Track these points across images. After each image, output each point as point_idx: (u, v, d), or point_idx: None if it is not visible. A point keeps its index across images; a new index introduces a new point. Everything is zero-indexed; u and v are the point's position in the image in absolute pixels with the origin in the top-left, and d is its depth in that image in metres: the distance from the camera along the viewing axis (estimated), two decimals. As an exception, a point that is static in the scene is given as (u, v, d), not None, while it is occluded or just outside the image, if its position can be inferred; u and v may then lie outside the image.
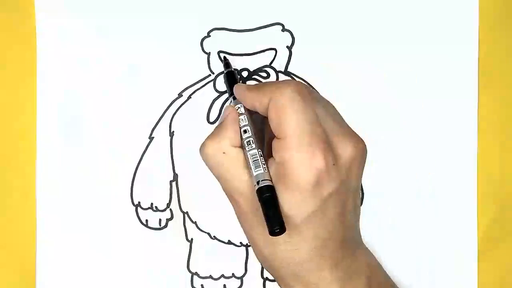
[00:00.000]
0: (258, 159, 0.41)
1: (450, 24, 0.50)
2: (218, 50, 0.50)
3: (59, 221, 0.50)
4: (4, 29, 0.50)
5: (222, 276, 0.50)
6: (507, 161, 0.51)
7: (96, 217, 0.50)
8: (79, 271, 0.50)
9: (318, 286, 0.42)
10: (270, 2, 0.50)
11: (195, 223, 0.50)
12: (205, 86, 0.50)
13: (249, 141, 0.42)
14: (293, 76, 0.50)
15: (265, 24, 0.50)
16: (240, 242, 0.50)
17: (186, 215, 0.50)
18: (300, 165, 0.40)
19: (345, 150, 0.42)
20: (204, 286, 0.50)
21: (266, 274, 0.50)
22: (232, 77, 0.48)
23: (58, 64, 0.50)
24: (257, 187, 0.40)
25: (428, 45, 0.50)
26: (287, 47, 0.50)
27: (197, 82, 0.50)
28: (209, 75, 0.50)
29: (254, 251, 0.45)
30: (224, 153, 0.43)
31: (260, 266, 0.50)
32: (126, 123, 0.50)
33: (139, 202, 0.50)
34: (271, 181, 0.41)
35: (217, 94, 0.50)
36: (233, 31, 0.50)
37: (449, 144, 0.50)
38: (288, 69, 0.50)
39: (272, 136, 0.42)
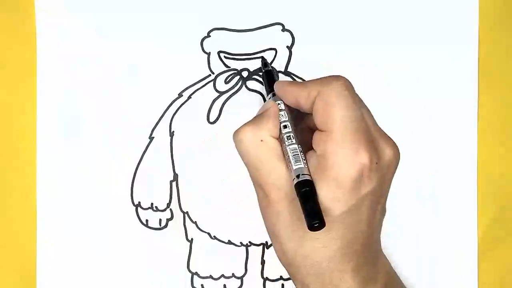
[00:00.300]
0: (298, 154, 0.41)
1: (450, 24, 0.50)
2: (218, 50, 0.50)
3: (60, 221, 0.50)
4: (4, 29, 0.50)
5: (222, 276, 0.50)
6: (507, 161, 0.51)
7: (96, 217, 0.50)
8: (80, 271, 0.50)
9: (338, 287, 0.42)
10: (270, 2, 0.50)
11: (195, 223, 0.50)
12: (205, 86, 0.50)
13: (289, 135, 0.42)
14: (293, 76, 0.50)
15: (265, 24, 0.50)
16: (240, 242, 0.50)
17: (186, 215, 0.50)
18: (344, 159, 0.39)
19: (385, 153, 0.41)
20: (204, 286, 0.50)
21: (266, 274, 0.50)
22: (270, 75, 0.48)
23: (58, 64, 0.50)
24: (296, 180, 0.39)
25: (428, 45, 0.50)
26: (287, 47, 0.50)
27: (197, 82, 0.50)
28: (209, 75, 0.50)
29: (275, 245, 0.43)
30: (262, 140, 0.42)
31: (260, 266, 0.50)
32: (126, 123, 0.50)
33: (139, 202, 0.50)
34: (310, 176, 0.40)
35: (217, 94, 0.50)
36: (233, 31, 0.50)
37: (449, 144, 0.50)
38: (288, 69, 0.50)
39: (308, 133, 0.42)
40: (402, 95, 0.50)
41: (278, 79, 0.49)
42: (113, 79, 0.50)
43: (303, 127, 0.44)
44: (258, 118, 0.43)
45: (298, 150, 0.41)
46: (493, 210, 0.51)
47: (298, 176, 0.40)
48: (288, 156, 0.41)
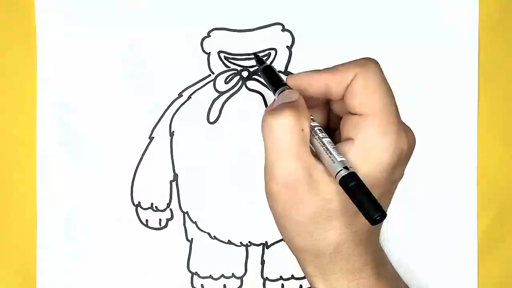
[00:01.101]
0: (335, 147, 0.39)
1: (450, 24, 0.50)
2: (218, 50, 0.50)
3: (59, 221, 0.50)
4: (4, 29, 0.50)
5: (222, 276, 0.50)
6: (507, 161, 0.51)
7: (96, 217, 0.50)
8: (80, 271, 0.50)
9: (361, 270, 0.41)
10: (270, 2, 0.50)
11: (195, 223, 0.50)
12: (205, 86, 0.50)
13: (320, 128, 0.40)
14: (293, 76, 0.50)
15: (265, 24, 0.50)
16: (240, 242, 0.50)
17: (186, 215, 0.50)
18: (389, 143, 0.38)
19: (410, 140, 0.40)
20: (204, 286, 0.50)
21: (266, 274, 0.50)
22: (270, 70, 0.45)
23: (58, 64, 0.50)
24: (341, 174, 0.37)
25: (428, 45, 0.50)
26: (287, 47, 0.50)
27: (197, 82, 0.50)
28: (209, 75, 0.50)
29: (298, 241, 0.41)
30: (303, 130, 0.39)
31: (260, 266, 0.50)
32: (126, 123, 0.50)
33: (139, 202, 0.50)
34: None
35: (217, 94, 0.50)
36: (233, 31, 0.50)
37: (449, 144, 0.50)
38: (288, 69, 0.50)
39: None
40: (402, 95, 0.50)
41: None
42: (113, 79, 0.50)
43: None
44: (295, 105, 0.39)
45: (333, 143, 0.39)
46: (493, 210, 0.51)
47: (344, 169, 0.37)
48: (327, 149, 0.38)
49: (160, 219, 0.50)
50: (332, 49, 0.50)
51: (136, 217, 0.50)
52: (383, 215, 0.35)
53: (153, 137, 0.50)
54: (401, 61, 0.50)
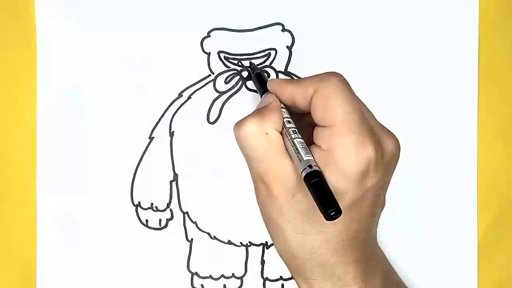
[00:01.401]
0: (306, 147, 0.40)
1: (450, 24, 0.50)
2: (218, 50, 0.50)
3: (59, 221, 0.50)
4: (4, 29, 0.50)
5: (222, 276, 0.50)
6: (507, 161, 0.51)
7: (96, 217, 0.50)
8: (79, 271, 0.50)
9: (342, 280, 0.42)
10: (270, 2, 0.50)
11: (195, 223, 0.50)
12: (205, 86, 0.50)
13: (294, 130, 0.41)
14: (293, 76, 0.50)
15: (265, 24, 0.50)
16: (240, 242, 0.50)
17: (186, 215, 0.50)
18: (351, 152, 0.39)
19: (388, 145, 0.41)
20: (204, 286, 0.50)
21: (266, 274, 0.50)
22: (261, 77, 0.47)
23: (58, 64, 0.50)
24: (306, 172, 0.38)
25: (428, 45, 0.50)
26: (287, 47, 0.50)
27: (197, 82, 0.50)
28: (209, 75, 0.50)
29: (276, 240, 0.43)
30: (267, 133, 0.41)
31: (260, 266, 0.50)
32: (126, 123, 0.50)
33: (139, 202, 0.50)
34: (319, 167, 0.39)
35: (217, 94, 0.50)
36: (233, 31, 0.50)
37: (449, 144, 0.50)
38: (288, 69, 0.50)
39: (303, 131, 0.42)
40: (402, 95, 0.50)
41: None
42: (113, 79, 0.50)
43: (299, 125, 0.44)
44: (261, 110, 0.42)
45: (304, 143, 0.40)
46: (493, 210, 0.51)
47: (307, 168, 0.39)
48: (296, 149, 0.40)
49: (160, 219, 0.50)
50: (332, 49, 0.50)
51: (136, 217, 0.50)
52: (338, 211, 0.36)
53: (153, 137, 0.50)
54: (401, 61, 0.50)
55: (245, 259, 0.50)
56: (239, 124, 0.41)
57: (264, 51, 0.50)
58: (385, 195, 0.43)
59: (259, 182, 0.42)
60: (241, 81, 0.50)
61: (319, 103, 0.41)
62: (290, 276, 0.50)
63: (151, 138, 0.50)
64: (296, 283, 0.44)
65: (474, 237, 0.50)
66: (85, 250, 0.50)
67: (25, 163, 0.50)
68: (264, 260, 0.50)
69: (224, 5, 0.50)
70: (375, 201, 0.42)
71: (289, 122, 0.42)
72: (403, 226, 0.50)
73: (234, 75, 0.50)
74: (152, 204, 0.50)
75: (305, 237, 0.41)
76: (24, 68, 0.50)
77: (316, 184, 0.38)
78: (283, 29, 0.50)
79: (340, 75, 0.41)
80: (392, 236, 0.50)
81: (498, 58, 0.51)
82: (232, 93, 0.50)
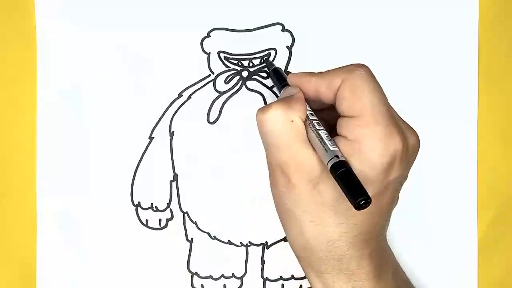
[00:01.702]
0: (330, 138, 0.40)
1: (450, 24, 0.50)
2: (218, 50, 0.50)
3: (59, 221, 0.50)
4: (4, 29, 0.50)
5: (222, 276, 0.50)
6: (507, 161, 0.51)
7: (96, 217, 0.50)
8: (79, 271, 0.50)
9: (355, 274, 0.42)
10: (270, 2, 0.50)
11: (195, 223, 0.50)
12: (205, 86, 0.50)
13: (318, 122, 0.41)
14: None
15: (265, 24, 0.50)
16: (240, 242, 0.50)
17: (186, 215, 0.50)
18: (379, 143, 0.39)
19: (411, 139, 0.41)
20: (204, 286, 0.50)
21: (266, 274, 0.50)
22: (278, 72, 0.47)
23: (58, 64, 0.50)
24: (332, 162, 0.38)
25: (428, 45, 0.50)
26: (287, 47, 0.50)
27: (197, 82, 0.50)
28: (209, 75, 0.50)
29: (291, 233, 0.43)
30: (292, 121, 0.40)
31: (260, 266, 0.50)
32: (126, 123, 0.50)
33: (139, 202, 0.50)
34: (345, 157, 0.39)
35: (217, 94, 0.50)
36: (233, 31, 0.50)
37: (449, 144, 0.50)
38: (288, 69, 0.50)
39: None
40: (402, 95, 0.50)
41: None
42: (113, 79, 0.50)
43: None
44: (287, 99, 0.42)
45: (329, 135, 0.40)
46: (493, 210, 0.51)
47: (334, 158, 0.38)
48: (321, 139, 0.40)
49: (160, 219, 0.50)
50: (332, 49, 0.50)
51: (136, 217, 0.50)
52: (367, 200, 0.36)
53: (153, 137, 0.50)
54: (401, 61, 0.50)
55: (245, 259, 0.50)
56: (263, 109, 0.41)
57: (264, 51, 0.50)
58: (399, 192, 0.43)
59: (278, 171, 0.41)
60: (241, 81, 0.50)
61: (347, 93, 0.40)
62: (290, 276, 0.50)
63: (151, 138, 0.50)
64: (307, 277, 0.44)
65: (474, 237, 0.50)
66: (85, 250, 0.50)
67: (25, 163, 0.50)
68: (264, 260, 0.50)
69: (224, 5, 0.50)
70: (394, 196, 0.42)
71: (312, 114, 0.42)
72: (403, 226, 0.50)
73: (234, 75, 0.50)
74: (152, 204, 0.50)
75: (323, 229, 0.41)
76: (24, 68, 0.50)
77: (344, 173, 0.37)
78: (283, 29, 0.50)
79: (367, 67, 0.41)
80: (392, 236, 0.50)
81: (498, 58, 0.51)
82: (232, 93, 0.50)
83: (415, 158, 0.42)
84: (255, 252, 0.50)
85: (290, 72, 0.49)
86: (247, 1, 0.50)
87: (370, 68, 0.41)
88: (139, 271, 0.50)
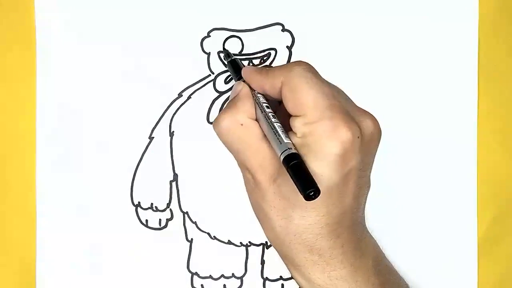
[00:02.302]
0: (284, 131, 0.41)
1: (450, 24, 0.50)
2: (218, 50, 0.50)
3: (59, 221, 0.50)
4: (4, 29, 0.50)
5: (222, 276, 0.50)
6: (507, 161, 0.51)
7: (96, 217, 0.50)
8: (79, 271, 0.50)
9: (329, 264, 0.42)
10: (270, 2, 0.50)
11: (195, 223, 0.50)
12: (205, 86, 0.50)
13: (273, 114, 0.42)
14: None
15: (265, 24, 0.50)
16: (240, 242, 0.50)
17: (186, 215, 0.50)
18: (325, 138, 0.40)
19: (366, 126, 0.42)
20: (204, 286, 0.50)
21: (266, 274, 0.50)
22: (235, 63, 0.48)
23: (58, 64, 0.50)
24: (284, 154, 0.39)
25: (428, 45, 0.50)
26: (287, 47, 0.50)
27: (197, 82, 0.50)
28: (209, 75, 0.50)
29: (264, 227, 0.44)
30: (242, 124, 0.42)
31: (260, 266, 0.50)
32: (126, 123, 0.50)
33: (139, 202, 0.50)
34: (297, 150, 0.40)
35: (217, 94, 0.50)
36: (233, 31, 0.50)
37: (449, 144, 0.50)
38: (288, 69, 0.50)
39: (284, 118, 0.42)
40: (401, 95, 0.50)
41: (242, 66, 0.49)
42: (113, 79, 0.50)
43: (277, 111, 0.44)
44: (232, 102, 0.43)
45: (283, 128, 0.41)
46: (492, 210, 0.51)
47: (284, 152, 0.39)
48: (275, 132, 0.41)
49: (160, 219, 0.50)
50: (332, 49, 0.50)
51: (136, 217, 0.50)
52: (316, 191, 0.37)
53: (153, 137, 0.50)
54: (400, 61, 0.50)
55: (245, 259, 0.50)
56: (215, 122, 0.43)
57: (264, 51, 0.50)
58: (369, 176, 0.44)
59: (245, 171, 0.43)
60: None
61: (288, 94, 0.41)
62: (290, 276, 0.50)
63: (151, 138, 0.50)
64: (289, 271, 0.45)
65: (474, 237, 0.50)
66: (85, 250, 0.50)
67: (25, 163, 0.50)
68: (264, 260, 0.50)
69: (224, 5, 0.50)
70: (358, 183, 0.42)
71: (267, 107, 0.42)
72: (403, 226, 0.50)
73: (234, 75, 0.50)
74: (152, 204, 0.50)
75: (289, 222, 0.42)
76: (24, 69, 0.50)
77: (295, 166, 0.38)
78: (283, 29, 0.50)
79: (306, 63, 0.42)
80: (392, 236, 0.50)
81: (498, 58, 0.51)
82: (232, 93, 0.50)
83: (375, 143, 0.43)
84: (255, 252, 0.50)
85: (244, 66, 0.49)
86: (247, 1, 0.50)
87: (312, 64, 0.42)
88: (139, 271, 0.50)
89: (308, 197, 0.37)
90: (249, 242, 0.50)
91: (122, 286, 0.50)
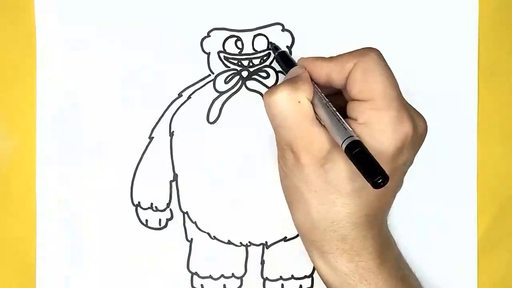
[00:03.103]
0: (342, 119, 0.40)
1: (450, 23, 0.50)
2: (218, 50, 0.50)
3: (59, 221, 0.50)
4: (4, 29, 0.50)
5: (222, 276, 0.50)
6: (507, 161, 0.51)
7: (96, 217, 0.50)
8: (79, 271, 0.50)
9: (359, 255, 0.42)
10: (270, 2, 0.50)
11: (195, 223, 0.50)
12: (205, 86, 0.50)
13: (330, 103, 0.41)
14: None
15: (265, 24, 0.50)
16: (240, 242, 0.50)
17: (186, 215, 0.50)
18: (389, 127, 0.39)
19: (420, 124, 0.42)
20: (204, 286, 0.50)
21: (266, 274, 0.50)
22: (285, 55, 0.47)
23: (58, 64, 0.50)
24: (347, 142, 0.38)
25: (428, 45, 0.50)
26: (287, 47, 0.50)
27: (197, 82, 0.50)
28: (209, 75, 0.50)
29: (297, 212, 0.43)
30: (299, 102, 0.41)
31: (260, 266, 0.50)
32: (126, 123, 0.50)
33: (139, 202, 0.50)
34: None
35: (217, 94, 0.50)
36: (233, 31, 0.50)
37: (449, 144, 0.50)
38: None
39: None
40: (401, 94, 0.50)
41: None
42: (113, 79, 0.50)
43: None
44: (293, 80, 0.42)
45: (341, 117, 0.40)
46: (492, 210, 0.51)
47: (347, 140, 0.38)
48: (339, 119, 0.40)
49: (160, 219, 0.50)
50: (332, 49, 0.50)
51: (136, 217, 0.50)
52: (385, 178, 0.36)
53: (153, 137, 0.50)
54: (400, 60, 0.50)
55: (245, 259, 0.50)
56: (270, 91, 0.41)
57: (264, 51, 0.50)
58: (404, 176, 0.43)
59: (287, 150, 0.42)
60: (241, 81, 0.50)
61: (359, 76, 0.40)
62: (290, 276, 0.50)
63: (151, 138, 0.50)
64: (310, 256, 0.44)
65: (474, 237, 0.50)
66: (85, 250, 0.50)
67: (25, 163, 0.50)
68: (264, 260, 0.50)
69: (224, 5, 0.50)
70: (400, 180, 0.42)
71: (322, 94, 0.42)
72: (403, 226, 0.50)
73: (234, 75, 0.50)
74: (152, 204, 0.50)
75: (329, 208, 0.41)
76: (24, 68, 0.50)
77: (360, 153, 0.37)
78: (283, 29, 0.50)
79: (378, 51, 0.41)
80: (392, 235, 0.50)
81: (498, 58, 0.51)
82: (232, 93, 0.50)
83: (421, 144, 0.43)
84: (255, 252, 0.50)
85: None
86: (247, 1, 0.50)
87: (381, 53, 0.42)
88: (139, 271, 0.50)
89: (376, 185, 0.36)
90: (249, 242, 0.50)
91: (122, 286, 0.50)
